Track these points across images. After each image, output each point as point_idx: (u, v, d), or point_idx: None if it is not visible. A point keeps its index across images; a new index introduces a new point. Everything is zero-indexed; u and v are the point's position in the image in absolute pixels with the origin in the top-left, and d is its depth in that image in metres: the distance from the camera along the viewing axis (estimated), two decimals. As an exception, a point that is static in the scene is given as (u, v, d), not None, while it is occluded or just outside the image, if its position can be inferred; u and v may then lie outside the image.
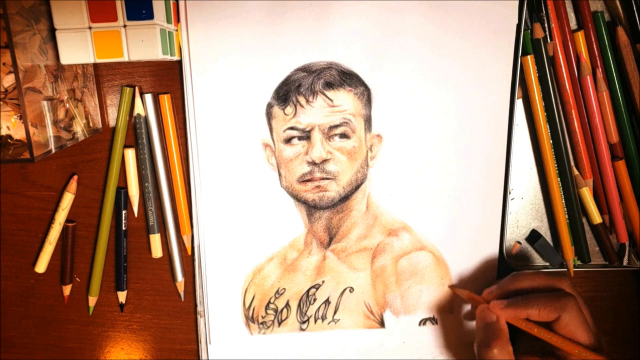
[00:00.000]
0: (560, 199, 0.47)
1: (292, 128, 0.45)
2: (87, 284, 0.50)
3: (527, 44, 0.45)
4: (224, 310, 0.49)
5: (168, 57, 0.40)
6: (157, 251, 0.49)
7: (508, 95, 0.45)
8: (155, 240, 0.48)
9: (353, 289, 0.49)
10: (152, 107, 0.46)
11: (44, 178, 0.48)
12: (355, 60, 0.45)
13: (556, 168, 0.47)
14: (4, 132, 0.38)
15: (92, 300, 0.50)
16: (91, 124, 0.45)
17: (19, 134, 0.38)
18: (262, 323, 0.49)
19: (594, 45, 0.45)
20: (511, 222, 0.49)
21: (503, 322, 0.41)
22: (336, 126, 0.45)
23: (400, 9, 0.44)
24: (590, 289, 0.51)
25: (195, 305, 0.50)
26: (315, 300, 0.49)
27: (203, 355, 0.50)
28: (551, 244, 0.49)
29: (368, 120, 0.46)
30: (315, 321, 0.49)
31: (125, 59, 0.38)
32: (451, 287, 0.48)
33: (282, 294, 0.49)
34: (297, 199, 0.47)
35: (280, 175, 0.46)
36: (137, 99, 0.45)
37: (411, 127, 0.46)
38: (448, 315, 0.49)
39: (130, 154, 0.47)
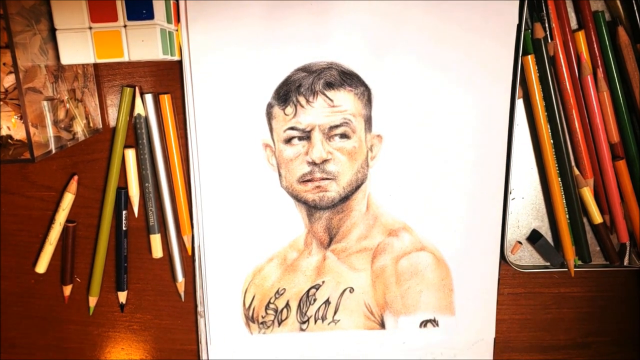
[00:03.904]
0: (561, 199, 0.47)
1: (292, 128, 0.45)
2: (87, 284, 0.50)
3: (527, 43, 0.45)
4: (224, 311, 0.49)
5: (168, 57, 0.40)
6: (157, 251, 0.49)
7: (509, 95, 0.45)
8: (156, 240, 0.48)
9: (353, 290, 0.49)
10: (152, 107, 0.46)
11: (44, 178, 0.48)
12: (356, 60, 0.45)
13: (557, 168, 0.47)
14: (5, 132, 0.38)
15: (93, 301, 0.50)
16: (91, 124, 0.45)
17: (19, 134, 0.38)
18: (262, 323, 0.49)
19: (595, 45, 0.45)
20: (512, 222, 0.49)
21: None
22: (336, 126, 0.45)
23: (401, 9, 0.43)
24: (591, 289, 0.51)
25: (196, 306, 0.50)
26: (315, 300, 0.49)
27: (203, 356, 0.50)
28: (552, 244, 0.49)
29: (368, 121, 0.46)
30: (315, 321, 0.49)
31: (126, 59, 0.38)
32: None
33: (282, 294, 0.49)
34: (297, 199, 0.47)
35: (280, 175, 0.46)
36: (138, 99, 0.46)
37: (411, 127, 0.46)
38: (449, 316, 0.49)
39: (130, 154, 0.47)
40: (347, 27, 0.44)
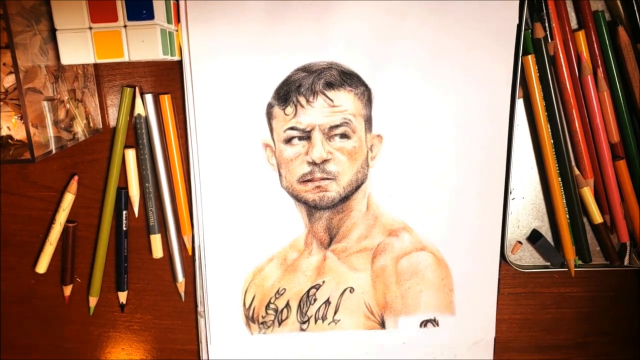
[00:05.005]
0: (561, 199, 0.47)
1: (292, 128, 0.45)
2: (87, 284, 0.50)
3: (527, 43, 0.45)
4: (225, 311, 0.49)
5: (168, 57, 0.40)
6: (157, 251, 0.49)
7: (509, 95, 0.45)
8: (156, 240, 0.48)
9: (353, 290, 0.49)
10: (152, 107, 0.46)
11: (44, 178, 0.48)
12: (356, 60, 0.45)
13: (557, 168, 0.47)
14: (5, 132, 0.38)
15: (93, 301, 0.50)
16: (92, 124, 0.45)
17: (19, 134, 0.38)
18: (262, 323, 0.49)
19: (595, 45, 0.45)
20: (512, 222, 0.49)
21: None
22: (336, 126, 0.45)
23: (401, 9, 0.43)
24: (591, 288, 0.51)
25: (196, 306, 0.50)
26: (315, 300, 0.49)
27: (203, 356, 0.50)
28: (552, 243, 0.49)
29: (368, 121, 0.46)
30: (316, 321, 0.49)
31: (126, 59, 0.38)
32: None
33: (282, 294, 0.49)
34: (298, 199, 0.47)
35: (280, 175, 0.46)
36: (138, 99, 0.46)
37: (411, 127, 0.46)
38: (449, 316, 0.49)
39: (130, 154, 0.47)
40: (347, 26, 0.44)
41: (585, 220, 0.48)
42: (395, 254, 0.48)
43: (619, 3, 0.44)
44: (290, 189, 0.47)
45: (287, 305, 0.49)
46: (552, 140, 0.46)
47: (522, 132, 0.48)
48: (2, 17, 0.34)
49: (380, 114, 0.46)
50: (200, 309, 0.49)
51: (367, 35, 0.44)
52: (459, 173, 0.47)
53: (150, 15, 0.37)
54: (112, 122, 0.47)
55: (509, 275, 0.51)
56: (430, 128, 0.46)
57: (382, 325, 0.49)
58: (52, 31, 0.38)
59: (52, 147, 0.38)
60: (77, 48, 0.38)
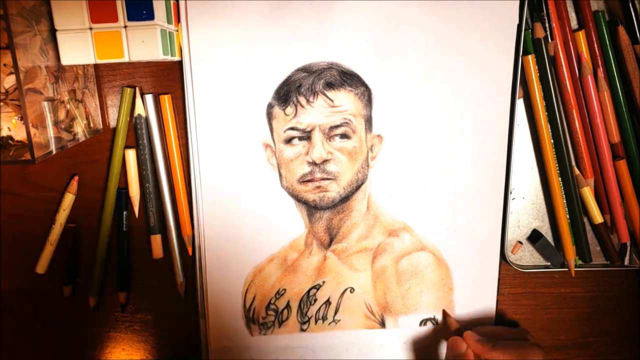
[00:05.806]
0: (561, 199, 0.47)
1: (292, 128, 0.45)
2: (88, 284, 0.50)
3: (528, 43, 0.45)
4: (225, 311, 0.49)
5: (168, 58, 0.40)
6: (158, 252, 0.49)
7: (509, 95, 0.45)
8: (156, 240, 0.48)
9: (354, 290, 0.49)
10: (152, 108, 0.46)
11: (44, 179, 0.48)
12: (356, 60, 0.45)
13: (557, 168, 0.47)
14: (5, 133, 0.38)
15: (93, 301, 0.50)
16: (92, 125, 0.45)
17: (19, 135, 0.38)
18: (262, 324, 0.49)
19: (595, 45, 0.45)
20: (512, 222, 0.49)
21: (471, 355, 0.44)
22: (337, 126, 0.45)
23: (401, 9, 0.43)
24: (592, 288, 0.51)
25: (196, 306, 0.50)
26: (315, 300, 0.49)
27: (204, 356, 0.50)
28: (552, 243, 0.49)
29: (369, 121, 0.46)
30: (316, 322, 0.49)
31: (126, 59, 0.38)
32: (445, 312, 0.49)
33: (282, 294, 0.49)
34: (298, 199, 0.47)
35: (280, 175, 0.46)
36: (138, 100, 0.46)
37: (412, 127, 0.46)
38: (449, 315, 0.49)
39: (130, 155, 0.47)
40: (347, 27, 0.44)
41: (585, 220, 0.48)
42: (395, 254, 0.48)
43: (618, 3, 0.44)
44: (291, 189, 0.47)
45: (288, 305, 0.49)
46: (552, 140, 0.46)
47: (522, 132, 0.48)
48: (3, 17, 0.34)
49: (380, 114, 0.46)
50: (200, 309, 0.49)
51: (367, 36, 0.44)
52: (459, 173, 0.47)
53: (150, 16, 0.37)
54: (112, 123, 0.47)
55: (509, 275, 0.51)
56: (431, 128, 0.46)
57: (383, 325, 0.49)
58: (53, 31, 0.38)
59: (53, 147, 0.38)
60: (77, 48, 0.38)
